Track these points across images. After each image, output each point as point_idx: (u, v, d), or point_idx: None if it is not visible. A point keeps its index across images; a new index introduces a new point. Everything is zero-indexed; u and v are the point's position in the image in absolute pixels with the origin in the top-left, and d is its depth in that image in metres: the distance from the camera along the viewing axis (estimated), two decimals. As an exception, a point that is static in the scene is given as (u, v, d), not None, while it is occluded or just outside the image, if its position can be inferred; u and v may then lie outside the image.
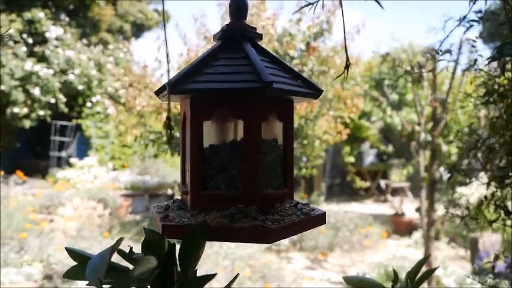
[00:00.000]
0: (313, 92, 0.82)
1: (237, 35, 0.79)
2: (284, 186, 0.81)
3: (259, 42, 0.84)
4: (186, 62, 6.28)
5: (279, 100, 0.80)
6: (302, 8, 0.88)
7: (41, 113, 10.77)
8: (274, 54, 0.84)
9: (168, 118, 0.64)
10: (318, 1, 0.85)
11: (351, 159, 11.60)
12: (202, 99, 0.76)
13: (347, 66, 0.84)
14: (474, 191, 3.81)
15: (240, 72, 0.73)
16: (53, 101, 10.86)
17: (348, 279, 0.82)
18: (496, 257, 1.31)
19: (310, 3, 0.85)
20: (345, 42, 0.87)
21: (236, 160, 0.75)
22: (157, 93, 0.82)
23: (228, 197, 0.74)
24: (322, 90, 0.84)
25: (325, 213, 0.82)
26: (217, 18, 6.59)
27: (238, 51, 0.77)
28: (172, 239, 0.71)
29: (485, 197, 1.25)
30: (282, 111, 0.80)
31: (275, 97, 0.78)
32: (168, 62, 0.70)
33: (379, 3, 0.82)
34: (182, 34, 6.67)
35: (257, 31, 0.83)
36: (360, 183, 11.48)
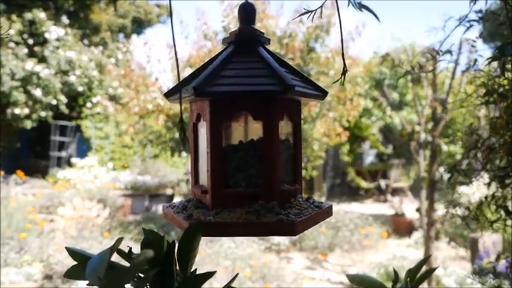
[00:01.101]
0: (320, 93, 0.86)
1: (249, 40, 0.83)
2: (295, 182, 0.86)
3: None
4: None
5: (291, 101, 0.83)
6: (301, 15, 0.89)
7: (43, 114, 10.78)
8: (281, 57, 0.86)
9: (181, 121, 0.66)
10: (317, 9, 0.85)
11: (349, 158, 11.60)
12: (222, 102, 0.78)
13: (344, 72, 0.85)
14: (475, 190, 3.81)
15: (258, 75, 0.77)
16: (54, 102, 10.86)
17: (351, 277, 0.82)
18: (498, 257, 1.31)
19: (309, 11, 0.86)
20: (342, 49, 0.89)
21: (254, 159, 0.79)
22: (168, 95, 0.86)
23: (248, 194, 0.78)
24: (327, 92, 0.87)
25: (331, 205, 0.88)
26: (217, 16, 6.62)
27: (251, 55, 0.81)
28: (205, 236, 0.74)
29: (486, 197, 1.25)
30: (293, 112, 0.84)
31: (289, 98, 0.81)
32: (177, 60, 0.72)
33: (375, 15, 0.83)
34: (186, 32, 6.69)
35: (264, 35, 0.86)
36: (361, 182, 11.48)
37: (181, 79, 0.79)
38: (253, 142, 0.81)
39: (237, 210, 0.75)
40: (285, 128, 0.84)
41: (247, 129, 0.82)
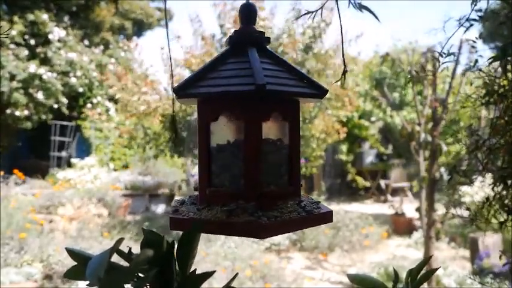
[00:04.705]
0: (317, 92, 0.83)
1: (244, 40, 0.82)
2: (289, 184, 0.84)
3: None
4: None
5: (282, 101, 0.82)
6: (301, 16, 0.89)
7: (43, 116, 10.77)
8: (281, 56, 0.85)
9: (173, 119, 0.67)
10: (317, 10, 0.85)
11: (349, 158, 11.58)
12: (207, 102, 0.80)
13: (344, 72, 0.85)
14: (477, 190, 3.80)
15: (240, 75, 0.76)
16: (55, 105, 10.84)
17: (352, 277, 0.82)
18: (501, 258, 1.30)
19: (309, 12, 0.86)
20: (342, 50, 0.88)
21: (238, 159, 0.79)
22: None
23: (231, 193, 0.78)
24: (327, 91, 0.84)
25: (331, 211, 0.83)
26: (213, 18, 6.63)
27: (243, 56, 0.80)
28: (179, 230, 0.75)
29: (487, 198, 1.25)
30: (287, 111, 0.83)
31: (278, 98, 0.80)
32: (171, 64, 0.72)
33: (375, 15, 0.83)
34: (180, 34, 6.71)
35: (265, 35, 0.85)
36: (361, 182, 11.44)
37: (173, 80, 0.80)
38: (239, 142, 0.80)
39: (215, 209, 0.75)
40: (275, 128, 0.83)
41: (236, 129, 0.82)
